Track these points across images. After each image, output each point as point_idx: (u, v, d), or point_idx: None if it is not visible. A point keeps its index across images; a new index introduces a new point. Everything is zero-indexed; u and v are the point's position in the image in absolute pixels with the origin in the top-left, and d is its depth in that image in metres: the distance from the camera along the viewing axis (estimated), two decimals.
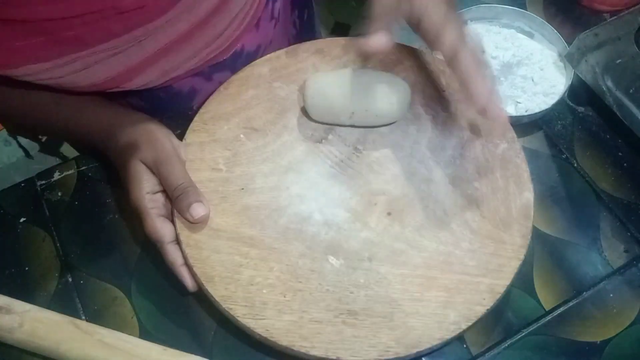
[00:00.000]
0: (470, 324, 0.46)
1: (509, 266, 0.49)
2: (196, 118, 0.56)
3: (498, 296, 0.47)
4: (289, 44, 0.68)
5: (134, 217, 0.52)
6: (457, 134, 0.56)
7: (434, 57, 0.60)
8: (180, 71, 0.59)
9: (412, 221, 0.51)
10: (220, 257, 0.49)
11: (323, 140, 0.56)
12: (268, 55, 0.61)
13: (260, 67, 0.60)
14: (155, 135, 0.53)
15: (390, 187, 0.53)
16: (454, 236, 0.50)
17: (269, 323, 0.46)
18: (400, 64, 0.60)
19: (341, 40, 0.61)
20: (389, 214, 0.51)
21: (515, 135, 0.55)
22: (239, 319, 0.46)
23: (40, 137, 0.78)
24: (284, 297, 0.47)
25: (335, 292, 0.48)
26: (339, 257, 0.49)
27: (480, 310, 0.47)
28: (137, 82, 0.55)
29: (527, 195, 0.52)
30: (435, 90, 0.58)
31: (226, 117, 0.57)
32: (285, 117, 0.57)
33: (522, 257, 0.49)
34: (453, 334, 0.46)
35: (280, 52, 0.61)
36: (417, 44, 0.67)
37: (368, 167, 0.54)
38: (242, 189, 0.53)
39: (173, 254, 0.49)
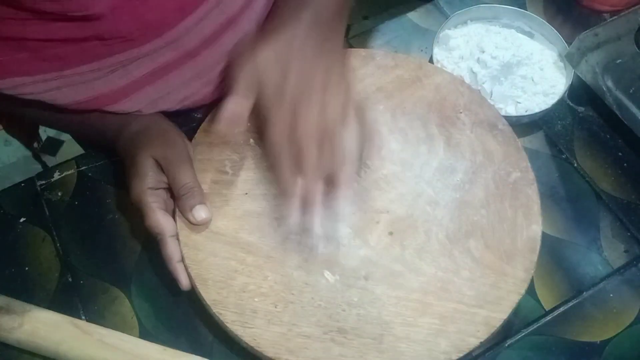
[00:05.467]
0: (461, 355, 0.45)
1: (507, 300, 0.47)
2: (209, 117, 0.56)
3: (493, 329, 0.46)
4: None
5: (135, 215, 0.52)
6: (470, 157, 0.54)
7: (454, 76, 0.59)
8: (171, 103, 0.58)
9: (413, 243, 0.50)
10: (216, 261, 0.49)
11: None
12: None
13: None
14: (169, 134, 0.53)
15: (394, 206, 0.52)
16: (455, 263, 0.49)
17: (257, 332, 0.46)
18: (419, 82, 0.58)
19: (362, 51, 0.61)
20: (390, 233, 0.50)
21: (529, 165, 0.53)
22: (227, 325, 0.46)
23: (39, 139, 0.77)
24: (275, 307, 0.47)
25: (327, 308, 0.47)
26: (335, 273, 0.49)
27: (474, 342, 0.45)
28: (123, 106, 0.55)
29: (535, 228, 0.50)
30: (453, 110, 0.57)
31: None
32: None
33: (522, 292, 0.48)
34: None
35: None
36: (415, 45, 0.67)
37: (375, 183, 0.53)
38: (246, 193, 0.52)
39: (172, 249, 0.49)
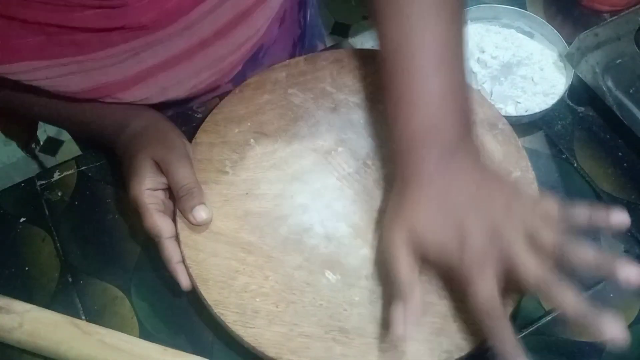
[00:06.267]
0: (462, 354, 0.45)
1: (509, 298, 0.47)
2: (208, 118, 0.56)
3: None
4: (294, 44, 0.67)
5: (134, 216, 0.52)
6: None
7: None
8: (180, 92, 0.58)
9: None
10: (217, 261, 0.49)
11: (333, 152, 0.55)
12: (287, 61, 0.60)
13: (278, 72, 0.59)
14: (168, 134, 0.53)
15: None
16: None
17: (259, 332, 0.46)
18: None
19: (362, 51, 0.61)
20: None
21: (529, 164, 0.53)
22: (229, 325, 0.46)
23: (37, 140, 0.78)
24: (276, 307, 0.47)
25: (329, 308, 0.47)
26: (336, 273, 0.49)
27: (475, 341, 0.45)
28: (133, 94, 0.55)
29: None
30: None
31: (238, 120, 0.56)
32: (297, 125, 0.56)
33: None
34: None
35: (300, 59, 0.60)
36: None
37: (375, 183, 0.53)
38: (246, 193, 0.52)
39: (170, 250, 0.49)
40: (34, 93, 0.51)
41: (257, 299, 0.47)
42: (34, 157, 0.80)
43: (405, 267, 0.42)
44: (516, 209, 0.42)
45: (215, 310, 0.47)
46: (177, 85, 0.57)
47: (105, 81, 0.53)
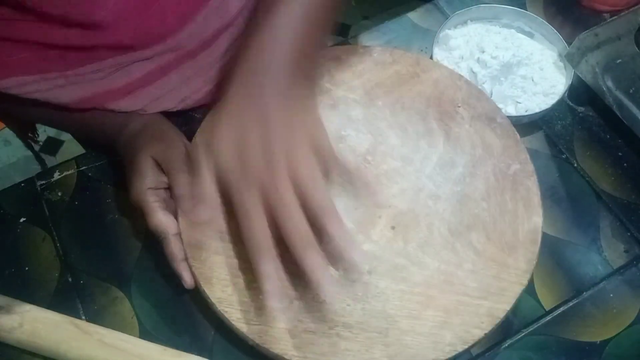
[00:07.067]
0: (466, 347, 0.45)
1: (510, 291, 0.48)
2: (207, 118, 0.56)
3: (497, 321, 0.46)
4: None
5: (134, 216, 0.52)
6: (469, 151, 0.54)
7: (452, 70, 0.59)
8: (173, 101, 0.58)
9: (416, 237, 0.50)
10: (219, 259, 0.49)
11: None
12: None
13: None
14: (169, 135, 0.53)
15: (396, 201, 0.52)
16: (457, 256, 0.49)
17: (263, 329, 0.46)
18: (417, 77, 0.59)
19: (359, 48, 0.61)
20: (392, 228, 0.51)
21: (528, 157, 0.54)
22: (233, 322, 0.46)
23: (38, 138, 0.78)
24: (280, 304, 0.47)
25: (332, 304, 0.47)
26: (339, 268, 0.49)
27: (478, 333, 0.46)
28: (125, 105, 0.55)
29: (536, 219, 0.51)
30: (451, 104, 0.57)
31: None
32: None
33: (525, 282, 0.48)
34: (447, 356, 0.45)
35: None
36: (415, 45, 0.67)
37: (376, 179, 0.53)
38: None
39: (175, 248, 0.49)
40: (30, 101, 0.51)
41: (261, 296, 0.47)
42: (33, 150, 0.79)
43: (206, 176, 0.46)
44: (300, 160, 0.44)
45: (219, 308, 0.47)
46: (169, 94, 0.57)
47: (95, 92, 0.53)
